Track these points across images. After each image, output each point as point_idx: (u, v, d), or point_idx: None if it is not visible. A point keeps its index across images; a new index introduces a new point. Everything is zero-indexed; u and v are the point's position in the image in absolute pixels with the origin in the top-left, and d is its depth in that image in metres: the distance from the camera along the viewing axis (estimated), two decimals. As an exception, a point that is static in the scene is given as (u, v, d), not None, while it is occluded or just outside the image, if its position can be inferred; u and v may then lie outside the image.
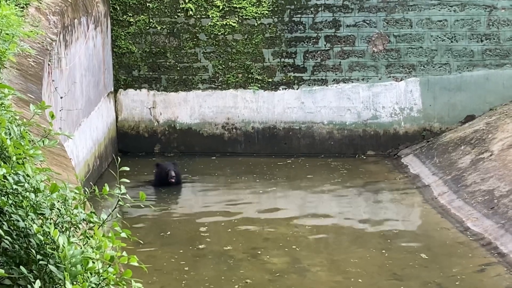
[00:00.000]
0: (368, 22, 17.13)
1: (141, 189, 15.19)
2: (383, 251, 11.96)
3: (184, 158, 17.41)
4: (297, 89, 17.45)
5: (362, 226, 13.27)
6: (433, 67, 17.05)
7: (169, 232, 13.03)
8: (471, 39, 16.92)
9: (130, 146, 17.85)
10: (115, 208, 4.35)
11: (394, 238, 12.58)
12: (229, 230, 13.07)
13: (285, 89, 17.48)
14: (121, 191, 4.31)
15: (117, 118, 17.86)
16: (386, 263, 11.48)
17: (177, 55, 17.58)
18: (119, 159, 4.76)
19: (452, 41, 16.96)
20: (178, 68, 17.60)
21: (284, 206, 14.63)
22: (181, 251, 12.09)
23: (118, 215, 4.48)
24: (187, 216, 13.95)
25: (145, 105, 17.83)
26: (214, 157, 17.50)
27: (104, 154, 16.33)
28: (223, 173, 16.61)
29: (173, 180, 15.20)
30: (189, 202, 15.01)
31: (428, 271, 11.09)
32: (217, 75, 17.55)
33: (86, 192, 4.57)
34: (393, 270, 11.20)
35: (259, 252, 12.04)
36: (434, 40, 17.00)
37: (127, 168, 4.72)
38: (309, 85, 17.42)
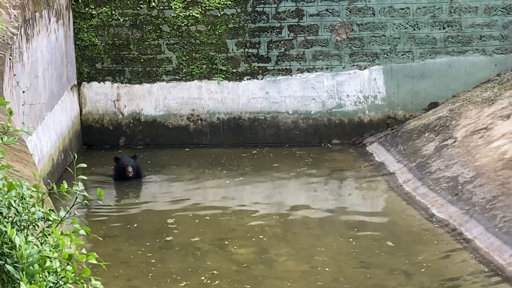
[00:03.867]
0: (331, 11, 17.15)
1: (105, 183, 15.18)
2: (350, 239, 12.01)
3: (149, 150, 17.36)
4: (261, 79, 17.44)
5: (328, 215, 13.31)
6: (396, 55, 17.12)
7: (135, 225, 13.00)
8: (433, 27, 17.01)
9: (95, 139, 17.75)
10: (73, 205, 4.33)
11: (360, 226, 12.64)
12: (196, 221, 13.07)
13: (250, 79, 17.47)
14: (79, 188, 4.28)
15: (81, 111, 17.75)
16: (352, 251, 11.53)
17: (140, 47, 17.49)
18: (75, 156, 4.71)
19: (414, 29, 17.04)
20: (142, 60, 17.52)
21: (251, 196, 14.65)
22: (148, 243, 12.07)
23: (76, 213, 4.43)
24: (154, 209, 13.91)
25: (109, 97, 17.73)
26: (179, 149, 17.45)
27: (69, 147, 16.23)
28: (189, 165, 16.58)
29: (131, 175, 15.12)
30: (156, 194, 14.96)
31: (394, 258, 11.16)
32: (181, 66, 17.49)
33: (45, 190, 4.53)
34: (360, 258, 11.26)
35: (226, 243, 12.04)
36: (396, 28, 17.06)
37: (85, 165, 4.67)
38: (273, 75, 17.42)
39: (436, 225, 12.25)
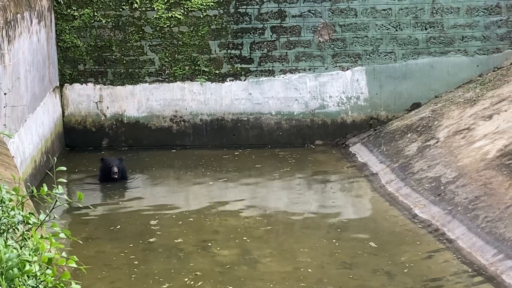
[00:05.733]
0: (313, 12, 17.17)
1: (88, 185, 15.14)
2: (333, 240, 12.02)
3: (132, 151, 17.32)
4: (244, 80, 17.44)
5: (311, 216, 13.32)
6: (379, 55, 17.16)
7: (118, 227, 12.96)
8: (415, 27, 17.06)
9: (77, 141, 17.69)
10: (53, 208, 4.31)
11: (343, 227, 12.65)
12: (180, 222, 13.04)
13: (233, 80, 17.46)
14: (59, 191, 4.26)
15: (63, 113, 17.69)
16: (335, 252, 11.54)
17: (123, 48, 17.45)
18: (55, 159, 4.69)
19: (396, 30, 17.08)
20: (124, 62, 17.48)
21: (234, 197, 14.63)
22: (131, 245, 12.03)
23: (56, 216, 4.42)
24: (137, 210, 13.87)
25: (92, 99, 17.68)
26: (162, 150, 17.42)
27: (51, 149, 16.17)
28: (172, 166, 16.56)
29: (116, 176, 15.10)
30: (139, 196, 14.92)
31: (377, 259, 11.17)
32: (164, 67, 17.46)
33: (25, 193, 4.51)
34: (343, 259, 11.27)
35: (210, 244, 12.03)
36: (379, 29, 17.10)
37: (64, 168, 4.65)
38: (256, 76, 17.42)
39: (418, 226, 12.28)
